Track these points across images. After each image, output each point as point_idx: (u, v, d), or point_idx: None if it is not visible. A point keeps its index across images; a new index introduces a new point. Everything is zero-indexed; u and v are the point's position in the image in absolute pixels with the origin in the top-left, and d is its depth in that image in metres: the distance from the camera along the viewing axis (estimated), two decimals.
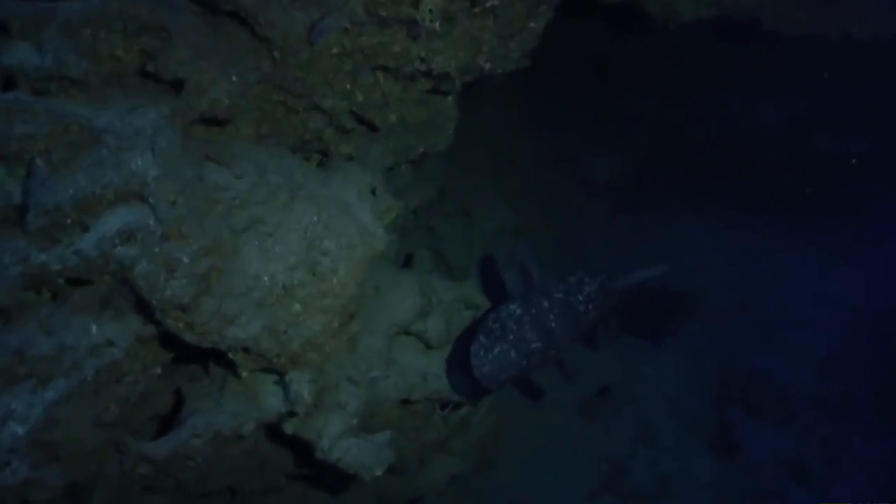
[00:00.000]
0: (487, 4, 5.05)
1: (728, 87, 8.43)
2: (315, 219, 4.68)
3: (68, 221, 4.11)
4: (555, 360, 5.73)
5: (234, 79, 4.63)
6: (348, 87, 5.23)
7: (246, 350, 4.35)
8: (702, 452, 7.34)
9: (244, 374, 4.49)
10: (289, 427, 4.67)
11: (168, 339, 4.47)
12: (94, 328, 4.13)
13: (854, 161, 8.62)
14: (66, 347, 4.01)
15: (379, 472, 4.78)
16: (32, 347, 3.92)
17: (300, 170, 5.02)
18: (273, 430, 4.87)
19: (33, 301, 4.18)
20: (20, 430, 3.71)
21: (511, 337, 5.27)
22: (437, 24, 5.02)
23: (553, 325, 5.51)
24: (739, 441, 7.42)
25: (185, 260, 4.14)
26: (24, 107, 4.01)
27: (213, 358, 4.68)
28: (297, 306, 4.49)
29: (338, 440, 4.73)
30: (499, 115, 7.92)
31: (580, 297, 5.88)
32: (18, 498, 3.70)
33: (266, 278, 4.41)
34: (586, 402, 7.54)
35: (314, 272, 4.56)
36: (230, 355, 4.38)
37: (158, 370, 4.55)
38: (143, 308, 4.22)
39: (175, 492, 4.58)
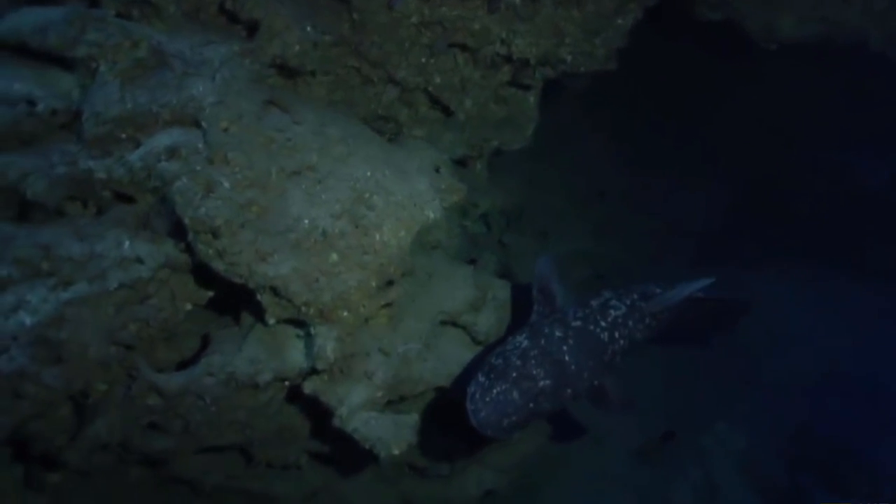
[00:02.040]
0: None
1: (830, 134, 7.62)
2: (368, 174, 4.36)
3: (122, 136, 3.97)
4: (576, 398, 4.47)
5: (308, 29, 4.44)
6: (424, 60, 4.98)
7: (274, 291, 3.98)
8: None
9: (271, 321, 4.10)
10: (308, 386, 4.25)
11: (201, 276, 4.21)
12: (126, 243, 3.89)
13: None
14: (94, 255, 3.78)
15: (396, 451, 4.24)
16: (61, 247, 3.70)
17: (364, 133, 4.73)
18: (294, 394, 4.46)
19: (75, 212, 4.02)
20: (27, 321, 3.46)
21: (514, 374, 4.08)
22: (517, 0, 4.72)
23: (566, 358, 4.33)
24: None
25: (226, 185, 3.89)
26: (99, 17, 3.95)
27: (244, 305, 4.35)
28: (335, 256, 4.12)
29: (357, 410, 4.26)
30: (587, 143, 7.48)
31: (603, 324, 4.72)
32: (11, 389, 3.41)
33: (306, 221, 4.07)
34: (647, 445, 6.67)
35: (357, 224, 4.19)
36: (258, 296, 4.02)
37: (188, 307, 4.26)
38: (178, 233, 3.97)
39: (183, 435, 4.18)
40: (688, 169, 7.76)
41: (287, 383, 4.36)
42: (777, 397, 7.10)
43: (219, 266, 3.92)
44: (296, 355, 4.28)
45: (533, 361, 4.17)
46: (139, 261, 3.89)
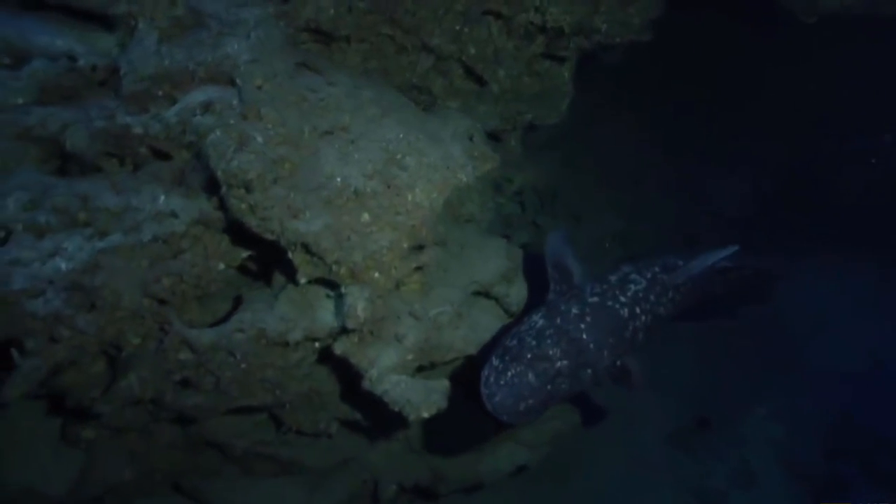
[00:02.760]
0: None
1: (869, 116, 7.33)
2: (400, 136, 4.30)
3: (159, 93, 3.98)
4: (597, 381, 4.22)
5: None
6: (458, 28, 4.91)
7: (306, 248, 3.93)
8: (806, 501, 6.06)
9: (302, 280, 4.05)
10: (338, 347, 4.18)
11: (234, 236, 4.18)
12: (162, 197, 3.89)
13: None
14: (130, 207, 3.79)
15: (425, 414, 4.15)
16: (98, 199, 3.71)
17: (398, 100, 4.68)
18: (324, 357, 4.40)
19: (112, 169, 4.02)
20: (63, 266, 3.46)
21: (528, 356, 3.82)
22: None
23: (584, 336, 4.05)
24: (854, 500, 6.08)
25: (259, 139, 3.86)
26: None
27: (276, 267, 4.31)
28: (366, 216, 4.06)
29: (387, 373, 4.18)
30: (621, 125, 7.33)
31: (623, 299, 4.38)
32: (47, 332, 3.40)
33: (338, 180, 4.03)
34: (682, 430, 6.48)
35: (389, 184, 4.13)
36: (289, 254, 3.97)
37: (221, 266, 4.23)
38: (212, 188, 3.95)
39: (214, 392, 4.15)
40: (723, 152, 7.56)
41: (317, 344, 4.31)
42: (815, 386, 6.87)
43: (251, 221, 3.89)
44: (326, 315, 4.22)
45: (549, 341, 3.92)
46: (173, 215, 3.88)
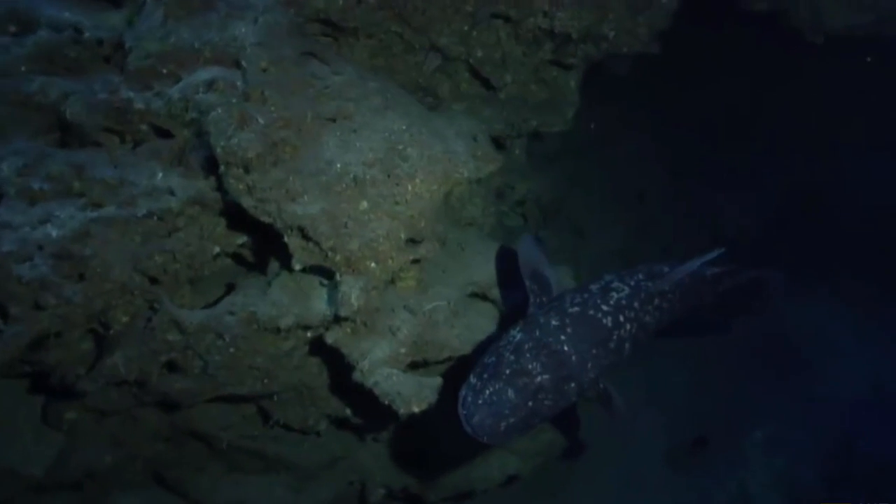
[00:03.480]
0: None
1: (878, 138, 7.24)
2: (403, 127, 4.23)
3: (164, 71, 3.95)
4: (583, 395, 3.96)
5: None
6: (466, 28, 4.87)
7: (302, 232, 3.84)
8: None
9: (297, 266, 3.95)
10: (330, 336, 4.06)
11: (231, 221, 4.10)
12: (159, 174, 3.83)
13: None
14: (126, 181, 3.72)
15: (416, 409, 4.00)
16: (94, 170, 3.65)
17: (403, 95, 4.63)
18: (316, 348, 4.28)
19: (112, 145, 3.96)
20: (54, 233, 3.38)
21: (507, 372, 3.57)
22: None
23: (565, 347, 3.78)
24: None
25: (260, 121, 3.81)
26: None
27: (271, 254, 4.22)
28: (365, 203, 3.97)
29: (379, 365, 4.05)
30: (627, 142, 7.28)
31: (605, 308, 4.10)
32: (32, 298, 3.30)
33: (338, 166, 3.95)
34: (677, 450, 6.30)
35: (389, 174, 4.05)
36: (285, 238, 3.88)
37: (216, 249, 4.15)
38: (211, 168, 3.89)
39: (200, 377, 4.03)
40: (729, 173, 7.48)
41: (309, 334, 4.19)
42: (816, 410, 6.66)
43: (248, 202, 3.81)
44: (320, 304, 4.11)
45: (528, 355, 3.67)
46: (170, 192, 3.81)
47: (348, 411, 4.67)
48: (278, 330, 3.99)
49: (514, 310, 4.70)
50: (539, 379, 3.60)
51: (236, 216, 4.10)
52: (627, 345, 4.17)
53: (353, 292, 3.93)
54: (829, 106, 7.01)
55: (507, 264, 4.85)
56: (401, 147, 4.14)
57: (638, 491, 6.02)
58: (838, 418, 6.54)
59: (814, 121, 7.15)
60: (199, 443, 4.76)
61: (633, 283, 4.37)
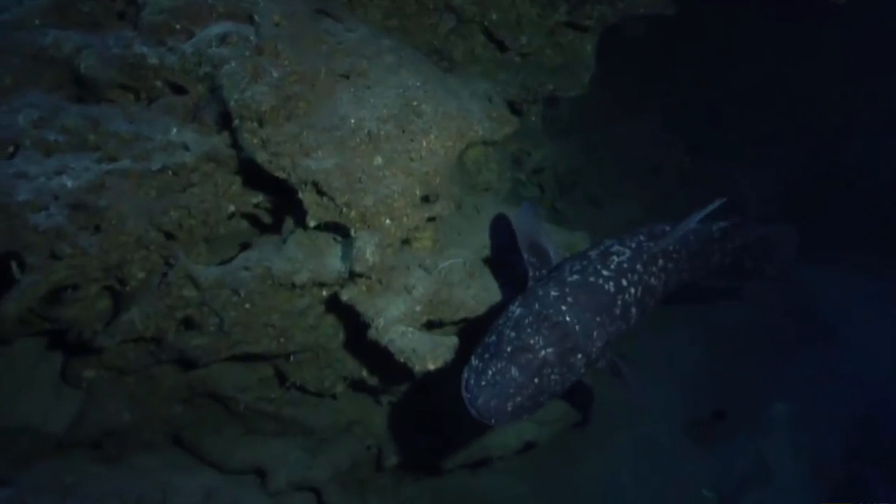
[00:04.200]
0: None
1: None
2: (418, 84, 4.18)
3: (177, 26, 3.93)
4: (592, 366, 3.74)
5: None
6: None
7: (317, 187, 3.81)
8: (824, 499, 5.73)
9: (312, 223, 3.91)
10: (345, 294, 4.02)
11: (246, 179, 4.08)
12: (174, 129, 3.82)
13: None
14: (141, 136, 3.71)
15: (431, 366, 3.96)
16: (109, 123, 3.64)
17: (417, 55, 4.57)
18: (332, 307, 4.25)
19: (127, 101, 3.94)
20: (69, 184, 3.37)
21: (508, 349, 3.37)
22: None
23: (567, 318, 3.56)
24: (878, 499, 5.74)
25: (274, 74, 3.79)
26: None
27: (286, 212, 4.19)
28: (379, 159, 3.93)
29: (394, 323, 4.01)
30: (645, 115, 7.17)
31: (606, 273, 3.86)
32: (48, 247, 3.29)
33: (352, 121, 3.92)
34: (697, 422, 6.20)
35: (404, 129, 4.00)
36: (300, 194, 3.84)
37: (231, 208, 4.13)
38: (225, 122, 3.86)
39: (216, 334, 4.00)
40: (748, 147, 7.34)
41: (325, 292, 4.16)
42: (838, 387, 6.53)
43: (262, 157, 3.78)
44: (335, 261, 4.08)
45: (529, 330, 3.46)
46: (184, 147, 3.79)
47: (364, 373, 4.63)
48: (293, 286, 3.96)
49: (513, 283, 4.47)
50: (543, 353, 3.39)
51: (251, 175, 4.07)
52: (634, 310, 3.95)
53: (367, 248, 3.90)
54: (851, 80, 6.86)
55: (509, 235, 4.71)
56: (415, 103, 4.09)
57: (656, 462, 5.93)
58: (858, 395, 6.40)
59: (837, 95, 7.00)
60: (217, 405, 4.74)
61: (633, 246, 4.13)
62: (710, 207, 3.92)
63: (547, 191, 6.66)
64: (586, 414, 5.55)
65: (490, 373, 3.28)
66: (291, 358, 4.44)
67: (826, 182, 7.43)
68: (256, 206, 4.30)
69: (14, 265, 3.28)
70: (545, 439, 5.29)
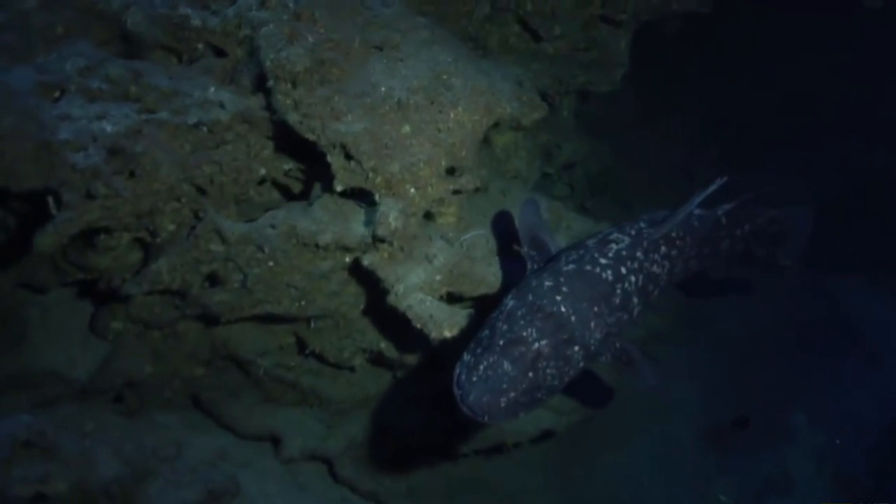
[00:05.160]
0: None
1: None
2: (449, 59, 4.26)
3: None
4: (593, 359, 3.56)
5: None
6: None
7: (344, 150, 3.89)
8: None
9: (339, 188, 3.99)
10: (367, 259, 4.08)
11: (278, 142, 4.18)
12: (212, 88, 3.95)
13: None
14: (180, 92, 3.83)
15: (447, 333, 3.98)
16: (151, 77, 3.77)
17: (450, 37, 4.65)
18: (354, 277, 4.31)
19: (169, 62, 4.10)
20: (108, 128, 3.49)
21: (501, 343, 3.20)
22: None
23: (562, 308, 3.36)
24: None
25: (310, 39, 3.91)
26: None
27: (314, 178, 4.28)
28: (407, 127, 4.01)
29: (414, 290, 4.05)
30: (678, 119, 7.16)
31: (604, 261, 3.65)
32: (84, 186, 3.41)
33: (383, 89, 4.02)
34: (717, 428, 6.08)
35: (433, 100, 4.08)
36: (328, 157, 3.93)
37: (262, 171, 4.24)
38: (261, 86, 3.98)
39: (239, 291, 4.08)
40: (783, 156, 7.25)
41: (348, 259, 4.22)
42: (864, 399, 6.36)
43: (294, 118, 3.88)
44: (359, 227, 4.14)
45: (522, 322, 3.28)
46: (220, 105, 3.91)
47: (383, 345, 4.66)
48: (317, 246, 4.03)
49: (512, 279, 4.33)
50: (536, 346, 3.21)
51: (283, 140, 4.18)
52: (635, 299, 3.75)
53: (391, 213, 3.95)
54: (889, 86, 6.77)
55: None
56: (445, 77, 4.16)
57: (675, 464, 5.83)
58: (888, 404, 6.22)
59: (875, 103, 6.91)
60: (237, 371, 4.83)
61: (633, 233, 3.95)
62: (711, 188, 3.78)
63: (577, 190, 6.68)
64: (605, 408, 5.48)
65: (482, 367, 3.14)
66: (312, 324, 4.51)
67: (858, 191, 7.28)
68: (287, 173, 4.41)
69: (51, 201, 3.40)
70: (563, 428, 5.23)
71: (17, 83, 3.40)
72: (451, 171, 4.21)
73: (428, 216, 4.35)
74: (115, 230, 3.75)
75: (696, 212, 4.23)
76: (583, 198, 6.75)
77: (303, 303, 4.28)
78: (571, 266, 3.62)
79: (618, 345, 3.69)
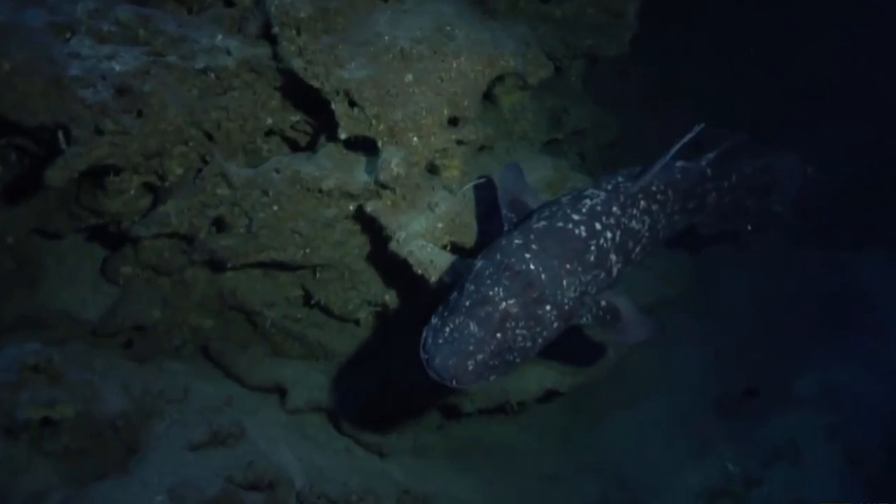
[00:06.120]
0: None
1: None
2: (454, 13, 4.30)
3: None
4: (571, 320, 3.35)
5: None
6: None
7: (348, 96, 3.96)
8: (857, 489, 5.46)
9: (343, 135, 4.07)
10: (370, 206, 4.14)
11: (284, 93, 4.26)
12: (219, 36, 4.06)
13: None
14: (188, 37, 3.95)
15: (448, 279, 3.99)
16: (160, 23, 3.89)
17: None
18: (357, 223, 4.37)
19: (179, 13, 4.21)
20: (117, 67, 3.60)
21: (467, 304, 3.06)
22: None
23: (531, 266, 3.18)
24: None
25: None
26: None
27: (320, 133, 4.35)
28: (410, 76, 4.07)
29: (415, 237, 4.10)
30: (693, 95, 7.11)
31: (577, 217, 3.43)
32: (93, 122, 3.52)
33: (387, 38, 4.09)
34: (726, 397, 6.03)
35: (436, 50, 4.14)
36: (332, 104, 4.00)
37: (269, 121, 4.33)
38: (267, 35, 4.06)
39: (245, 237, 4.17)
40: (801, 135, 7.17)
41: (352, 207, 4.28)
42: (880, 375, 6.26)
43: (298, 64, 3.96)
44: (362, 175, 4.21)
45: (488, 281, 3.13)
46: (227, 52, 4.02)
47: (387, 298, 4.71)
48: (320, 192, 4.11)
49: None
50: (504, 305, 3.06)
51: (290, 91, 4.26)
52: (613, 256, 3.53)
53: (393, 159, 4.02)
54: None
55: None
56: (448, 28, 4.21)
57: (683, 430, 5.79)
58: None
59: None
60: (246, 324, 4.91)
61: (609, 188, 3.72)
62: (688, 137, 3.59)
63: (588, 160, 6.67)
64: (611, 371, 5.47)
65: (448, 329, 3.00)
66: (317, 274, 4.58)
67: (881, 176, 7.18)
68: (294, 126, 4.50)
69: (61, 135, 3.51)
70: (567, 388, 5.21)
71: (30, 22, 3.52)
72: (453, 122, 4.26)
73: (432, 170, 4.40)
74: (125, 170, 3.86)
75: (679, 164, 4.07)
76: (594, 169, 6.74)
77: (307, 251, 4.35)
78: (542, 223, 3.43)
79: (603, 303, 3.55)
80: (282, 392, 4.91)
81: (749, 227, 4.70)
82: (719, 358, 6.19)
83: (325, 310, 4.78)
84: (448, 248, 4.25)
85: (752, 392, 6.06)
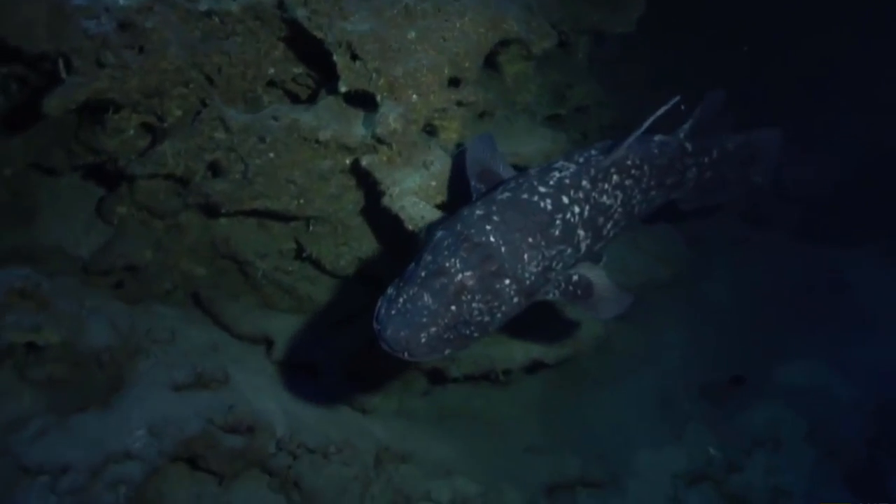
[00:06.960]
0: None
1: None
2: None
3: None
4: (534, 296, 3.24)
5: None
6: None
7: (350, 49, 3.98)
8: (835, 480, 5.47)
9: (343, 88, 4.09)
10: (366, 159, 4.16)
11: (288, 45, 4.28)
12: None
13: None
14: None
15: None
16: None
17: None
18: (353, 179, 4.39)
19: None
20: (121, 1, 3.63)
21: (422, 274, 2.97)
22: None
23: (490, 238, 3.06)
24: (891, 491, 5.45)
25: None
26: None
27: (321, 86, 4.37)
28: (413, 33, 4.09)
29: (408, 193, 4.11)
30: (697, 86, 7.10)
31: (543, 189, 3.31)
32: (94, 54, 3.55)
33: None
34: (711, 383, 6.04)
35: (440, 9, 4.16)
36: (334, 56, 4.01)
37: (271, 70, 4.35)
38: None
39: (240, 183, 4.19)
40: (802, 129, 7.17)
41: (348, 161, 4.30)
42: (864, 369, 6.27)
43: (302, 14, 3.98)
44: (360, 128, 4.22)
45: (446, 252, 3.01)
46: None
47: (378, 256, 4.73)
48: (317, 142, 4.13)
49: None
50: (460, 277, 2.94)
51: (293, 42, 4.28)
52: (581, 232, 3.40)
53: (391, 114, 4.04)
54: None
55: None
56: None
57: (665, 413, 5.80)
58: (889, 377, 6.12)
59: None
60: (238, 274, 4.94)
61: (581, 161, 3.58)
62: (664, 108, 3.47)
63: (591, 139, 6.67)
64: (596, 347, 5.49)
65: (401, 301, 2.92)
66: (310, 227, 4.60)
67: (879, 170, 7.17)
68: (295, 78, 4.52)
69: (61, 64, 3.54)
70: (552, 359, 5.23)
71: None
72: (454, 83, 4.28)
73: (431, 132, 4.42)
74: (124, 108, 3.88)
75: (658, 138, 4.00)
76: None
77: (301, 201, 4.37)
78: (507, 195, 3.30)
79: (575, 277, 3.47)
80: (269, 343, 4.94)
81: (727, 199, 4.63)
82: (706, 344, 6.19)
83: (317, 264, 4.80)
84: (441, 207, 4.29)
85: (740, 380, 6.08)
